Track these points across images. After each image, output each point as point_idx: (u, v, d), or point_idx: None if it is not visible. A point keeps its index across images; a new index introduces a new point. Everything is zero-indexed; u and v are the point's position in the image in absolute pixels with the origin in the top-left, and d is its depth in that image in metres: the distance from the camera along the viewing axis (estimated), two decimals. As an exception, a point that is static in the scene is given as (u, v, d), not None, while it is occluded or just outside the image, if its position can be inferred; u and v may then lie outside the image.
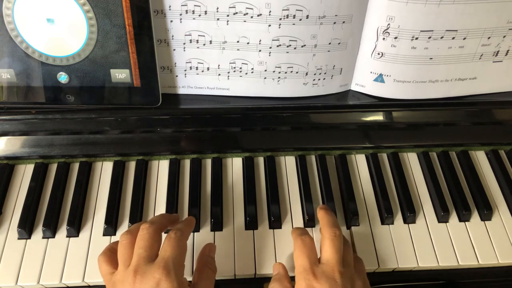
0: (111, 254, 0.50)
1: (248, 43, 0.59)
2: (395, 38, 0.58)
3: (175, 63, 0.62)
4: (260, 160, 0.69)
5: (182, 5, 0.56)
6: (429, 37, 0.58)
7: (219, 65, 0.62)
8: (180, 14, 0.57)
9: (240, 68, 0.61)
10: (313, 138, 0.67)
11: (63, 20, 0.55)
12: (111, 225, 0.61)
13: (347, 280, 0.48)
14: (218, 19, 0.57)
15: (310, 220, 0.62)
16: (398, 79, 0.63)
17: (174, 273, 0.45)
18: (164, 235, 0.51)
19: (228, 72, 0.62)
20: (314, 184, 0.67)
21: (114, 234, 0.61)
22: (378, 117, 0.66)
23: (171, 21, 0.57)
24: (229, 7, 0.56)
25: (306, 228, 0.59)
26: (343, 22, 0.58)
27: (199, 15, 0.57)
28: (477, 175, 0.68)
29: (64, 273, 0.58)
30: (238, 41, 0.59)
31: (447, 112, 0.67)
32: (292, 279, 0.52)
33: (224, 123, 0.65)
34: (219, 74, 0.63)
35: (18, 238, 0.61)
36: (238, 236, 0.61)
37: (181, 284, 0.45)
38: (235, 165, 0.68)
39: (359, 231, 0.62)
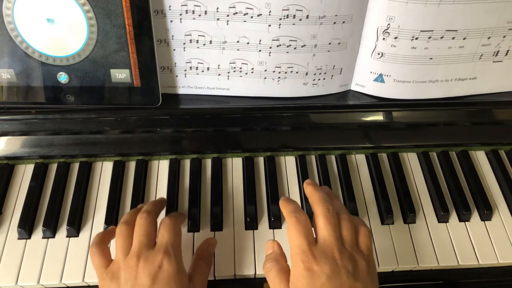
0: (103, 246, 0.51)
1: (248, 43, 0.59)
2: (395, 38, 0.58)
3: (175, 63, 0.62)
4: (260, 160, 0.69)
5: (182, 5, 0.56)
6: (429, 37, 0.58)
7: (219, 65, 0.61)
8: (180, 14, 0.57)
9: (240, 68, 0.61)
10: (313, 138, 0.67)
11: (63, 20, 0.55)
12: (111, 225, 0.61)
13: (348, 260, 0.45)
14: (218, 19, 0.57)
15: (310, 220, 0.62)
16: (398, 79, 0.63)
17: (174, 256, 0.48)
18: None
19: (228, 72, 0.62)
20: (314, 184, 0.67)
21: (114, 234, 0.61)
22: (378, 117, 0.66)
23: (171, 21, 0.57)
24: (229, 7, 0.56)
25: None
26: (343, 22, 0.58)
27: (199, 15, 0.57)
28: (477, 175, 0.68)
29: (64, 273, 0.58)
30: (238, 41, 0.59)
31: (447, 112, 0.67)
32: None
33: (224, 123, 0.65)
34: (219, 74, 0.63)
35: (18, 238, 0.61)
36: (238, 236, 0.61)
37: (180, 267, 0.48)
38: (235, 165, 0.68)
39: (359, 231, 0.62)
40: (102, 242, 0.52)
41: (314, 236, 0.48)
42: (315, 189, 0.51)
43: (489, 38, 0.60)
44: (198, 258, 0.54)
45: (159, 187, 0.66)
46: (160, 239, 0.49)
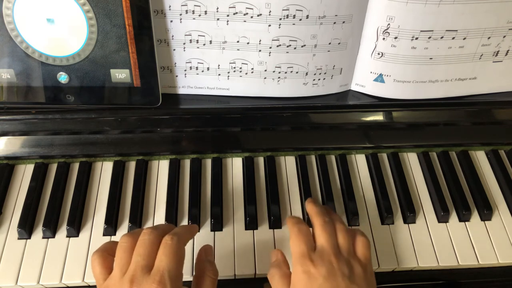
0: (106, 255, 0.48)
1: (248, 43, 0.59)
2: (395, 38, 0.58)
3: (175, 63, 0.62)
4: (260, 160, 0.69)
5: (182, 5, 0.56)
6: (429, 37, 0.58)
7: (219, 65, 0.62)
8: (180, 14, 0.57)
9: (240, 68, 0.62)
10: (313, 138, 0.67)
11: (63, 20, 0.55)
12: (111, 225, 0.61)
13: (344, 265, 0.48)
14: (218, 19, 0.57)
15: (310, 220, 0.62)
16: (398, 79, 0.63)
17: (170, 286, 0.43)
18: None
19: (228, 72, 0.62)
20: (314, 184, 0.67)
21: (114, 234, 0.61)
22: (378, 117, 0.66)
23: (171, 21, 0.57)
24: (229, 7, 0.56)
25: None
26: (343, 22, 0.58)
27: (199, 15, 0.57)
28: (477, 175, 0.68)
29: (64, 273, 0.58)
30: (238, 41, 0.59)
31: (447, 112, 0.67)
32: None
33: (224, 123, 0.65)
34: (219, 74, 0.63)
35: (18, 238, 0.61)
36: (238, 236, 0.61)
37: None
38: (235, 165, 0.68)
39: (359, 231, 0.62)
40: (106, 251, 0.48)
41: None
42: (314, 205, 0.57)
43: (489, 38, 0.60)
44: (202, 272, 0.49)
45: (159, 187, 0.66)
46: (157, 263, 0.44)
